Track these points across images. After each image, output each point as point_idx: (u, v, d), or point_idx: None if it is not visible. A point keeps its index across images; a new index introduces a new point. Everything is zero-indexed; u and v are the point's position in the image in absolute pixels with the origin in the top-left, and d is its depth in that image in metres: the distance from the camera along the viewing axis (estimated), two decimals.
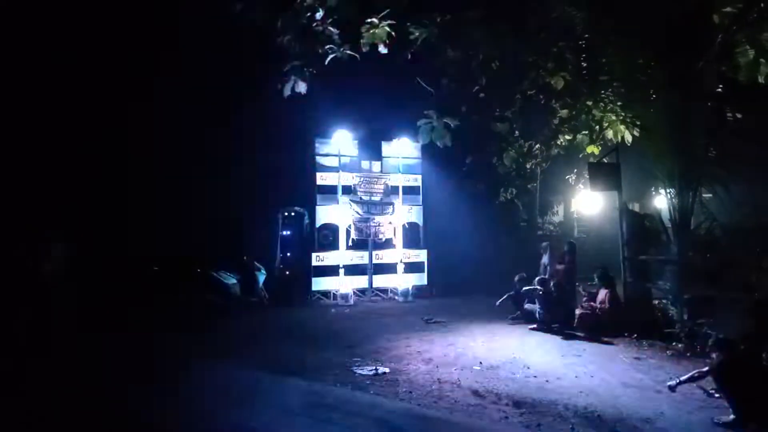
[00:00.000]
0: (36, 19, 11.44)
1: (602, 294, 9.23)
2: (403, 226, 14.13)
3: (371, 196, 13.83)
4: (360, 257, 13.59)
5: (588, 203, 14.10)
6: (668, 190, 8.79)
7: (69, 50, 11.90)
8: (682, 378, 5.39)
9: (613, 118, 10.24)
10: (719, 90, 8.81)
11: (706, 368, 5.17)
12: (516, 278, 10.69)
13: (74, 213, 11.71)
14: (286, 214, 14.41)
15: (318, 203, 13.31)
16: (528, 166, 13.76)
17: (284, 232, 14.21)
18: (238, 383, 6.29)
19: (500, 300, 10.40)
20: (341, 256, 13.29)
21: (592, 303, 9.38)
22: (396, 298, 13.45)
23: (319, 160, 13.47)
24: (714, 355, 5.14)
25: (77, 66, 12.28)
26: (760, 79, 8.13)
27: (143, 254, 11.81)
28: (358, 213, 13.53)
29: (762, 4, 7.75)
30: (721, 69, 8.40)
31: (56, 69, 11.96)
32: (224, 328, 9.79)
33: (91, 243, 10.71)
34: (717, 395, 5.28)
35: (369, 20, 6.68)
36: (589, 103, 10.42)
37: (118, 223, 12.97)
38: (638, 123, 9.94)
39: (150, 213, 13.72)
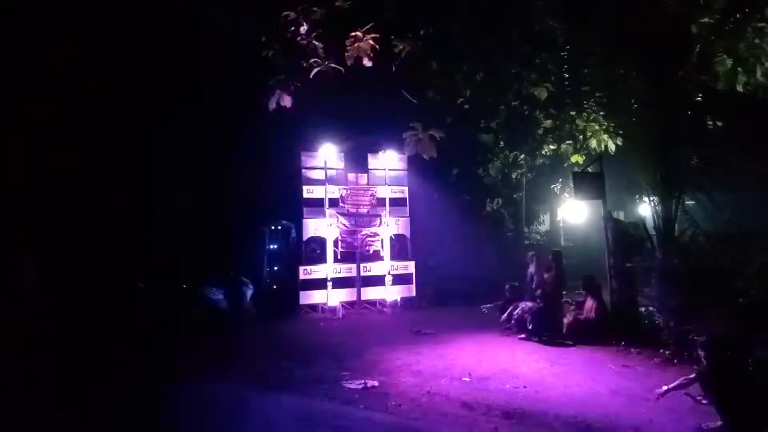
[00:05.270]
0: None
1: (589, 302, 9.28)
2: (391, 238, 14.09)
3: (358, 208, 13.81)
4: (348, 270, 13.49)
5: (573, 212, 14.29)
6: (652, 198, 8.86)
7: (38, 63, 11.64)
8: (670, 385, 5.41)
9: (596, 127, 10.42)
10: (699, 99, 8.97)
11: (693, 375, 5.19)
12: (507, 287, 10.72)
13: (53, 229, 11.45)
14: (273, 227, 14.33)
15: (305, 216, 13.23)
16: (513, 176, 13.93)
17: (271, 246, 14.12)
18: (225, 399, 6.19)
19: (488, 306, 10.40)
20: (329, 269, 13.20)
21: (579, 312, 9.43)
22: (384, 310, 13.39)
23: (306, 173, 13.41)
24: (701, 359, 5.17)
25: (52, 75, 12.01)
26: (739, 88, 8.32)
27: (128, 271, 11.65)
28: (345, 225, 13.49)
29: (738, 15, 7.94)
30: (701, 78, 8.56)
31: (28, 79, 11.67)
32: (211, 344, 9.63)
33: (72, 260, 10.52)
34: (704, 401, 5.31)
35: (353, 33, 6.72)
36: (573, 113, 10.60)
37: (101, 239, 12.72)
38: (621, 132, 10.10)
39: (134, 229, 13.51)
